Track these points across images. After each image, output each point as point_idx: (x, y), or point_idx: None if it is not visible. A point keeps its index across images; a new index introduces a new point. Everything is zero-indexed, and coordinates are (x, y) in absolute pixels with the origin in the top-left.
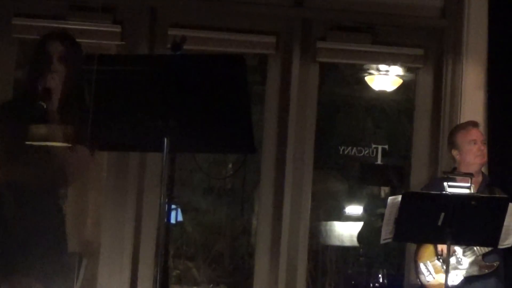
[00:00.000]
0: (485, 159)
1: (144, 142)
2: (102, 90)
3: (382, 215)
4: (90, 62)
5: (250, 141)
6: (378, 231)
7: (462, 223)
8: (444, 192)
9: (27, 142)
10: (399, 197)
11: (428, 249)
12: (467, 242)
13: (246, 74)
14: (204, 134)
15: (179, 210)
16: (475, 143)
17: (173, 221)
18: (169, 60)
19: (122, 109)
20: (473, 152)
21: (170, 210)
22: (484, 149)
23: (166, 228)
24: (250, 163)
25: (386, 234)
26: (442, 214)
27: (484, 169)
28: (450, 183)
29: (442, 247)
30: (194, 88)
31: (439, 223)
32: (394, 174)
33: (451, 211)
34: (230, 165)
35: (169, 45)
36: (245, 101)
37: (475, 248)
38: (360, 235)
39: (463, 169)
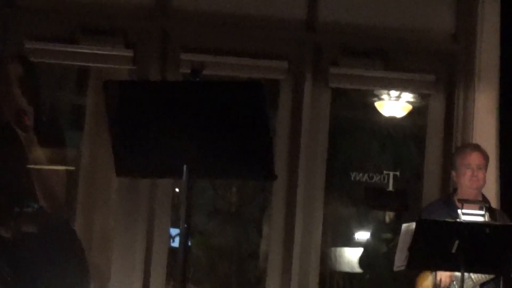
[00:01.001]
0: (481, 183)
1: (164, 168)
2: (123, 117)
3: (386, 241)
4: (110, 88)
5: (270, 168)
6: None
7: (475, 251)
8: (458, 219)
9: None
10: (413, 224)
11: (427, 279)
12: (480, 270)
13: (266, 100)
14: (224, 161)
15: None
16: (469, 168)
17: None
18: (188, 87)
19: (142, 136)
20: (467, 176)
21: (186, 233)
22: (479, 174)
23: (184, 254)
24: (255, 187)
25: (400, 261)
26: (456, 242)
27: (495, 192)
28: (464, 211)
29: (441, 277)
30: (213, 115)
31: (453, 251)
32: (404, 200)
33: (465, 239)
34: (234, 189)
35: (182, 70)
36: (264, 127)
37: (472, 276)
38: (361, 260)
39: (462, 191)
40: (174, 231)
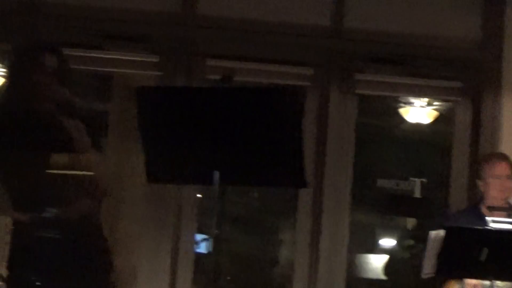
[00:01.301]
0: (510, 193)
1: (195, 175)
2: (154, 123)
3: (410, 247)
4: (143, 93)
5: (302, 175)
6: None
7: (504, 259)
8: (487, 227)
9: (48, 171)
10: (442, 232)
11: (454, 287)
12: (509, 279)
13: (300, 107)
14: (255, 168)
15: (210, 240)
16: (498, 178)
17: (204, 251)
18: (220, 93)
19: (173, 142)
20: (496, 187)
21: (217, 239)
22: (508, 183)
23: (215, 259)
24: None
25: (428, 268)
26: (486, 250)
27: None
28: (494, 218)
29: (469, 285)
30: (245, 121)
31: (482, 259)
32: (429, 207)
33: (494, 246)
34: (256, 195)
35: (207, 76)
36: (298, 134)
37: (500, 285)
38: (386, 267)
39: (488, 201)
40: (198, 237)
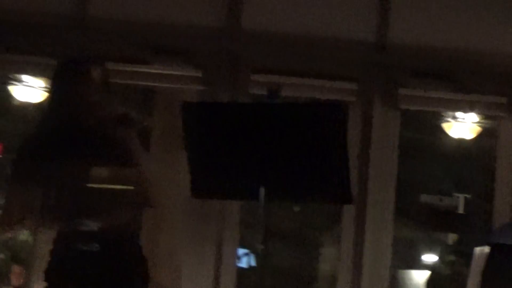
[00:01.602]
0: None
1: (240, 191)
2: (200, 138)
3: (451, 263)
4: (188, 109)
5: (348, 191)
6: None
7: None
8: None
9: (89, 185)
10: (486, 248)
11: None
12: None
13: (346, 123)
14: (301, 184)
15: (252, 255)
16: None
17: (246, 265)
18: (265, 108)
19: (219, 158)
20: None
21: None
22: None
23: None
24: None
25: (473, 286)
26: None
27: None
28: None
29: None
30: (291, 137)
31: None
32: (471, 223)
33: None
34: (297, 210)
35: (251, 91)
36: (343, 150)
37: None
38: (429, 283)
39: None
40: (240, 251)
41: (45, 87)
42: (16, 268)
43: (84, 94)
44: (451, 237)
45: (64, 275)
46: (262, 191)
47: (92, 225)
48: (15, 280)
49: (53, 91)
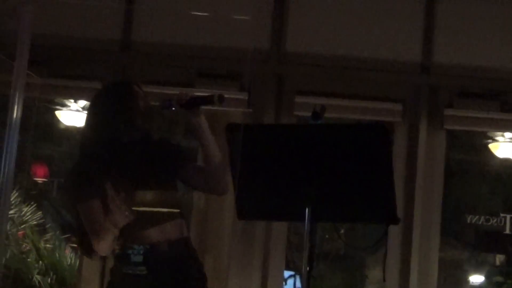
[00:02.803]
0: None
1: (286, 211)
2: (245, 160)
3: (498, 284)
4: (234, 130)
5: (393, 211)
6: None
7: None
8: None
9: (133, 208)
10: None
11: None
12: None
13: (390, 143)
14: (346, 204)
15: (297, 277)
16: None
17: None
18: (311, 129)
19: (265, 179)
20: None
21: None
22: None
23: None
24: (364, 229)
25: None
26: None
27: None
28: None
29: None
30: (336, 157)
31: None
32: None
33: None
34: (342, 231)
35: (296, 112)
36: (388, 170)
37: None
38: None
39: None
40: (286, 274)
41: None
42: None
43: (132, 116)
44: (499, 258)
45: None
46: (307, 211)
47: (139, 249)
48: None
49: (99, 113)
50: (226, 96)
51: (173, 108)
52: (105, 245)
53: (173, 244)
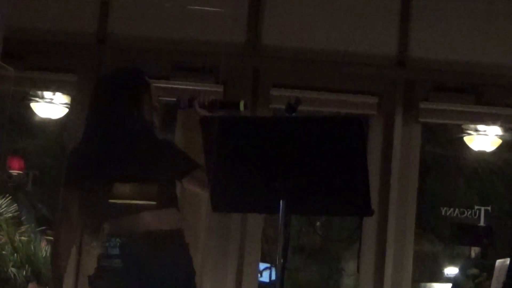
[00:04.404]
0: None
1: (260, 203)
2: (219, 152)
3: (472, 276)
4: (207, 124)
5: (367, 203)
6: None
7: None
8: None
9: (110, 201)
10: (507, 260)
11: None
12: None
13: (365, 136)
14: (320, 196)
15: (273, 269)
16: None
17: (267, 280)
18: (285, 122)
19: (239, 171)
20: None
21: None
22: None
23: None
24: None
25: None
26: None
27: None
28: None
29: None
30: (310, 150)
31: None
32: (491, 235)
33: None
34: (318, 224)
35: (272, 105)
36: (362, 163)
37: None
38: None
39: None
40: (261, 266)
41: (66, 104)
42: (32, 286)
43: (140, 107)
44: (474, 250)
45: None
46: (281, 204)
47: (116, 242)
48: None
49: (105, 98)
50: (201, 88)
51: (192, 108)
52: (67, 236)
53: (160, 235)
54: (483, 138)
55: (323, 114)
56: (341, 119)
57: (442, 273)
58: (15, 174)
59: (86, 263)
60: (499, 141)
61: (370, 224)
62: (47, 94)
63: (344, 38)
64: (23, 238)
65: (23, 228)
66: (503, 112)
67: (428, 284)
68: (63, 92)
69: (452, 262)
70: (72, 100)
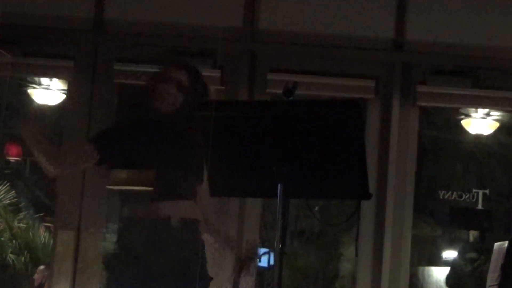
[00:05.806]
0: None
1: (258, 188)
2: (218, 136)
3: (472, 260)
4: (206, 108)
5: (365, 187)
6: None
7: None
8: None
9: (108, 187)
10: (506, 243)
11: None
12: None
13: (362, 119)
14: (318, 180)
15: (271, 253)
16: None
17: (265, 264)
18: (282, 106)
19: (237, 155)
20: None
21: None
22: None
23: (279, 273)
24: (338, 207)
25: (492, 280)
26: None
27: None
28: None
29: None
30: (308, 134)
31: None
32: (489, 219)
33: None
34: (316, 208)
35: (269, 90)
36: (360, 146)
37: None
38: (448, 280)
39: None
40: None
41: (63, 89)
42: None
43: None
44: (472, 234)
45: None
46: (279, 188)
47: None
48: (38, 280)
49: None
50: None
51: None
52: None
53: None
54: (481, 122)
55: (320, 98)
56: (338, 102)
57: (440, 256)
58: (13, 160)
59: (85, 249)
60: (497, 125)
61: (368, 208)
62: (44, 80)
63: (341, 22)
64: (21, 224)
65: (21, 215)
66: (500, 95)
67: (427, 268)
68: (60, 78)
69: (450, 246)
70: (69, 86)
